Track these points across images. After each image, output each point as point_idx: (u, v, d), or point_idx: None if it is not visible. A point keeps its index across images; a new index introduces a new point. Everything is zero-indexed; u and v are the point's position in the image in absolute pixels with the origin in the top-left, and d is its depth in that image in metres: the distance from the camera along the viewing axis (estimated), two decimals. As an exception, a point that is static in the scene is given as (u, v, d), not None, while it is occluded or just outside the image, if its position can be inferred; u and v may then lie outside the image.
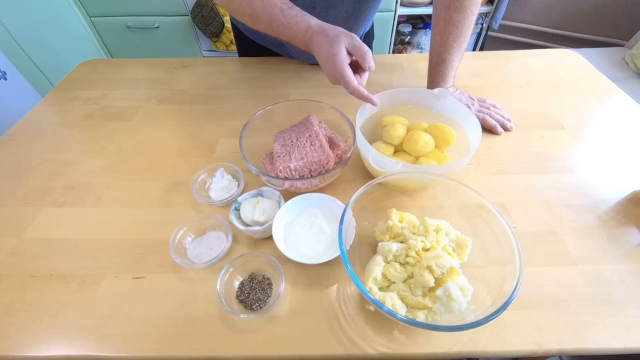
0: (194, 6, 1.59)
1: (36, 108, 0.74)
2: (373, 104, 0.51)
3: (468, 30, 0.60)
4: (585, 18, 1.65)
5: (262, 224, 0.47)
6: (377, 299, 0.36)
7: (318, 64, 0.81)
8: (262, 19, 0.53)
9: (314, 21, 0.50)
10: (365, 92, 0.49)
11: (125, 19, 1.64)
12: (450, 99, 0.55)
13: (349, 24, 0.70)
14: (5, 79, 1.26)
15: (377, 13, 0.77)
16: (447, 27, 0.59)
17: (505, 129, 0.64)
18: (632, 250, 0.46)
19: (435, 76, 0.64)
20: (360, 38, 0.84)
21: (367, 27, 0.84)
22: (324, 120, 0.60)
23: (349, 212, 0.41)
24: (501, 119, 0.64)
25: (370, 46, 0.90)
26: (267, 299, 0.42)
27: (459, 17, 0.58)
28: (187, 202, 0.54)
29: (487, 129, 0.64)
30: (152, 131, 0.67)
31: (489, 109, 0.66)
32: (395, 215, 0.43)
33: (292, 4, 0.52)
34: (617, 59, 1.42)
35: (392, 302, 0.36)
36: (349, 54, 0.48)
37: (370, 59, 0.48)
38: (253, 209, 0.48)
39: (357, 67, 0.51)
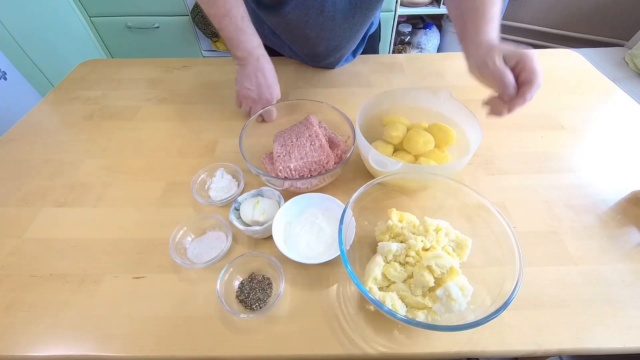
0: (194, 6, 1.59)
1: (36, 108, 0.74)
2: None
3: None
4: (585, 18, 1.65)
5: (262, 224, 0.47)
6: (377, 299, 0.36)
7: (318, 65, 0.82)
8: (219, 6, 0.56)
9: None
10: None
11: (125, 19, 1.64)
12: (451, 99, 0.55)
13: (354, 23, 0.69)
14: (5, 79, 1.26)
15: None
16: None
17: (509, 111, 0.43)
18: (632, 250, 0.46)
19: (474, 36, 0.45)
20: (365, 39, 0.83)
21: (372, 29, 0.84)
22: (324, 120, 0.60)
23: (349, 212, 0.41)
24: (520, 99, 0.41)
25: (376, 48, 0.90)
26: (267, 299, 0.42)
27: None
28: (187, 202, 0.54)
29: (488, 121, 0.48)
30: (152, 131, 0.67)
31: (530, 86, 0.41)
32: (395, 215, 0.43)
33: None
34: (617, 59, 1.42)
35: (392, 302, 0.36)
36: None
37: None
38: (253, 209, 0.48)
39: None
